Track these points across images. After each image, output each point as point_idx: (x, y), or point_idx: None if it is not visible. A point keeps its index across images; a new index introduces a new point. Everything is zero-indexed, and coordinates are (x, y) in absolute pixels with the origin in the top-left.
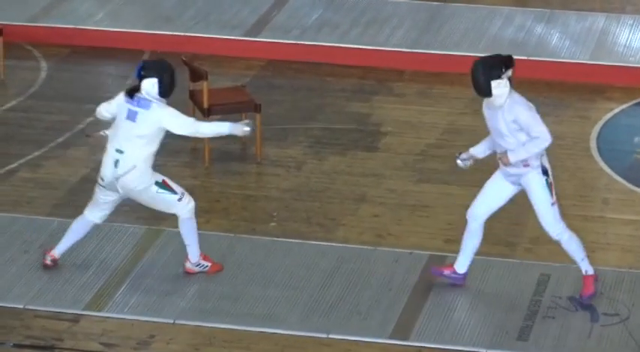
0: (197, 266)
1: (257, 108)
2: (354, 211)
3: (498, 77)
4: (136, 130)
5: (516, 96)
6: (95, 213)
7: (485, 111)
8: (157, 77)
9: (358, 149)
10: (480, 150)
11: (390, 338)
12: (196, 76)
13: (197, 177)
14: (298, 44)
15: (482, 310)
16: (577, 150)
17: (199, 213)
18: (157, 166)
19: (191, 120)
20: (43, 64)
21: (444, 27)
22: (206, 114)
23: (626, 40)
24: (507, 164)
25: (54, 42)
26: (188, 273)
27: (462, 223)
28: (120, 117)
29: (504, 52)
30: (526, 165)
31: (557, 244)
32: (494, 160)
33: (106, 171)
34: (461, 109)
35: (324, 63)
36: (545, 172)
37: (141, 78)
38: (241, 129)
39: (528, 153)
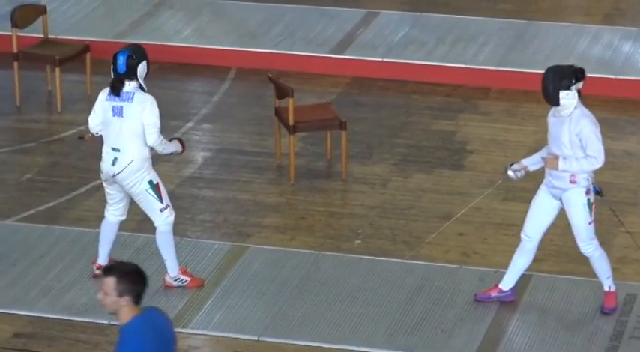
0: (176, 280)
1: (342, 126)
2: (440, 229)
3: (567, 88)
4: (126, 124)
5: (586, 110)
6: (112, 211)
7: (550, 119)
8: (145, 59)
9: (444, 167)
10: (532, 161)
11: None
12: (282, 93)
13: (282, 195)
14: (384, 62)
15: (568, 330)
16: None
17: (285, 230)
18: (243, 182)
19: (158, 126)
20: None
21: (531, 45)
22: (292, 131)
23: None
24: (552, 167)
25: None
26: (167, 288)
27: (549, 242)
28: (107, 116)
29: (591, 71)
30: (573, 182)
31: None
32: None
33: (105, 167)
34: (547, 128)
35: (409, 80)
36: (588, 192)
37: (129, 67)
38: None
39: (579, 167)
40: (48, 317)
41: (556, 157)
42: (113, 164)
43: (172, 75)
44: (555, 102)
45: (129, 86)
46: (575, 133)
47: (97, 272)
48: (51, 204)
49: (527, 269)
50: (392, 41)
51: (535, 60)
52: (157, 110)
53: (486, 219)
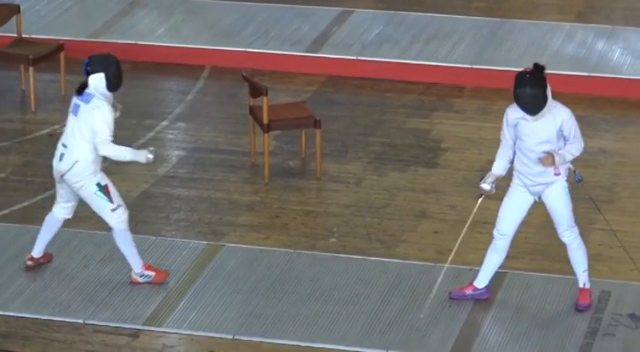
0: (141, 276)
1: (317, 124)
2: (414, 227)
3: (547, 86)
4: (77, 124)
5: (553, 100)
6: (60, 208)
7: (522, 123)
8: (102, 72)
9: (418, 165)
10: (501, 168)
11: None
12: (256, 91)
13: (257, 193)
14: (358, 60)
15: (543, 327)
16: (638, 166)
17: (260, 229)
18: (217, 181)
19: (108, 135)
20: None
21: (505, 43)
22: (266, 130)
23: None
24: (550, 164)
25: None
26: (134, 284)
27: (523, 240)
28: (69, 112)
29: (565, 69)
30: (557, 174)
31: (564, 246)
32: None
33: (54, 162)
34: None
35: (384, 79)
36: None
37: (87, 73)
38: (145, 156)
39: (573, 155)
40: (22, 317)
41: (549, 155)
42: (60, 160)
43: (146, 74)
44: (542, 108)
45: (95, 90)
46: (558, 125)
47: (30, 263)
48: (25, 204)
49: (502, 267)
50: (366, 39)
51: (509, 58)
52: (106, 119)
53: (461, 217)
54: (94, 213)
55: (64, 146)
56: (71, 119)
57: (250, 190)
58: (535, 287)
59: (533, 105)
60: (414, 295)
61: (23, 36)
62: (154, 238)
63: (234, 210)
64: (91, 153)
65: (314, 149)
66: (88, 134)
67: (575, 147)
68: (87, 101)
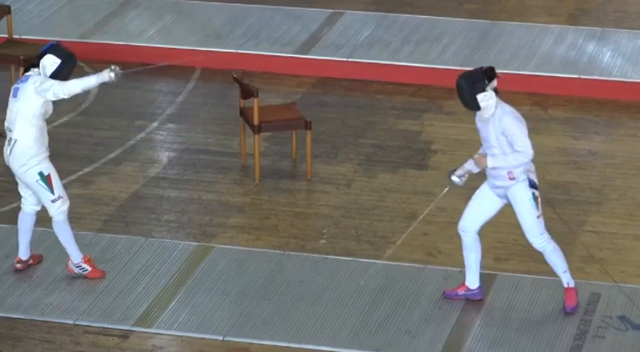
0: (77, 267)
1: (307, 126)
2: (404, 229)
3: (483, 90)
4: (17, 105)
5: (506, 107)
6: (25, 202)
7: (478, 124)
8: (61, 59)
9: (408, 167)
10: (473, 164)
11: None
12: (247, 93)
13: (247, 195)
14: (349, 62)
15: (532, 329)
16: (627, 168)
17: (250, 230)
18: (208, 183)
19: (56, 81)
20: None
21: (496, 45)
22: (256, 131)
23: None
24: (481, 165)
25: (105, 58)
26: (68, 272)
27: (513, 242)
28: (9, 99)
29: (555, 71)
30: (511, 178)
31: (540, 254)
32: None
33: (4, 150)
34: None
35: (374, 80)
36: (532, 186)
37: (43, 53)
38: (107, 75)
39: (506, 163)
40: (12, 318)
41: (484, 155)
42: (8, 144)
43: (137, 75)
44: (475, 106)
45: (32, 71)
46: (500, 132)
47: (18, 266)
48: (14, 205)
49: (492, 269)
50: (356, 41)
51: (499, 60)
52: (43, 80)
53: (451, 219)
54: (84, 214)
55: (9, 129)
56: (11, 102)
57: (240, 191)
58: (524, 288)
59: (462, 100)
60: (403, 296)
61: (14, 36)
62: (145, 239)
63: (225, 211)
64: (31, 136)
65: (304, 150)
66: (29, 113)
67: (515, 157)
68: (25, 81)
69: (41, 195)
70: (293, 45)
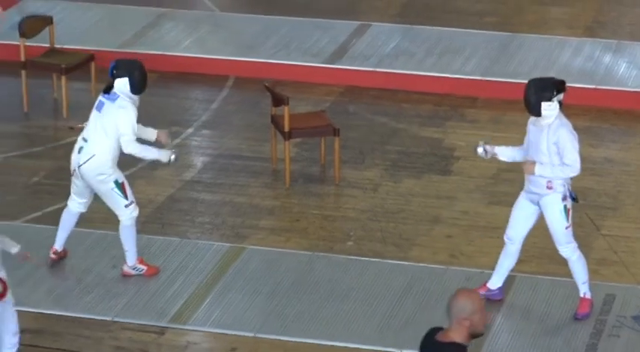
0: (134, 269)
1: (336, 132)
2: (428, 232)
3: (549, 99)
4: (100, 121)
5: (565, 120)
6: (74, 202)
7: (530, 127)
8: (127, 76)
9: (432, 172)
10: (503, 152)
11: None
12: (278, 101)
13: (278, 198)
14: (376, 72)
15: (550, 328)
16: None
17: (280, 232)
18: (240, 186)
19: (131, 134)
20: None
21: (515, 56)
22: (287, 137)
23: None
24: (529, 172)
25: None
26: (125, 276)
27: (531, 244)
28: (93, 108)
29: (573, 81)
30: (550, 188)
31: (565, 261)
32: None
33: (73, 155)
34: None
35: (400, 90)
36: (564, 198)
37: (113, 77)
38: (168, 155)
39: (554, 174)
40: (53, 314)
41: (533, 162)
42: (79, 152)
43: (173, 83)
44: (537, 112)
45: (120, 92)
46: (553, 142)
47: (54, 256)
48: (57, 206)
49: (511, 271)
50: (383, 52)
51: (519, 71)
52: (131, 119)
53: (473, 222)
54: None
55: (85, 140)
56: (94, 115)
57: (271, 195)
58: (542, 289)
59: (526, 102)
60: (427, 296)
61: (56, 46)
62: (180, 240)
63: (256, 213)
64: (109, 150)
65: (333, 156)
66: (110, 131)
67: (563, 170)
68: (112, 100)
69: (115, 201)
70: (322, 55)
